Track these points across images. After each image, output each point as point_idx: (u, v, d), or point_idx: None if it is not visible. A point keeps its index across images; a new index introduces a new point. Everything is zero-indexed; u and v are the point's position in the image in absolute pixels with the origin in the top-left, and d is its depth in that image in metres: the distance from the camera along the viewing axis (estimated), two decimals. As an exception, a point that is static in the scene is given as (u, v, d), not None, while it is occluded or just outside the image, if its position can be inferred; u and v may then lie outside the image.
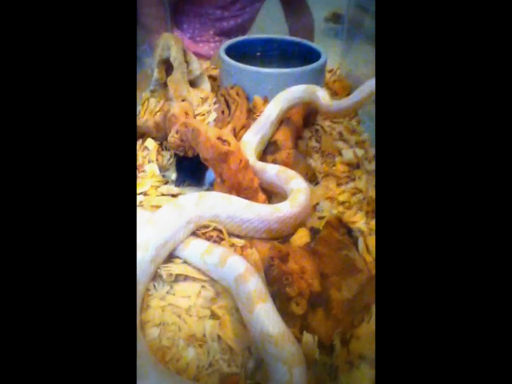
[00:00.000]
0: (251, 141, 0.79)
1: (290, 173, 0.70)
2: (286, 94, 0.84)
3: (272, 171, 0.71)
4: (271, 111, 0.83)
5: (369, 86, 0.74)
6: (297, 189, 0.66)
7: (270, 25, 1.83)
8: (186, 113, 0.82)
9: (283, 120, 0.86)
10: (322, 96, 0.80)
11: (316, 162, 0.84)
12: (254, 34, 1.18)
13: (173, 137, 0.72)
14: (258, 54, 1.14)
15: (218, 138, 0.67)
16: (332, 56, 1.22)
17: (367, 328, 0.52)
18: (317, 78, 1.00)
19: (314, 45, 1.09)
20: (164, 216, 0.58)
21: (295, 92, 0.84)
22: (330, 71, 1.21)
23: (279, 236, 0.64)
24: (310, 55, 1.05)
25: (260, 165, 0.73)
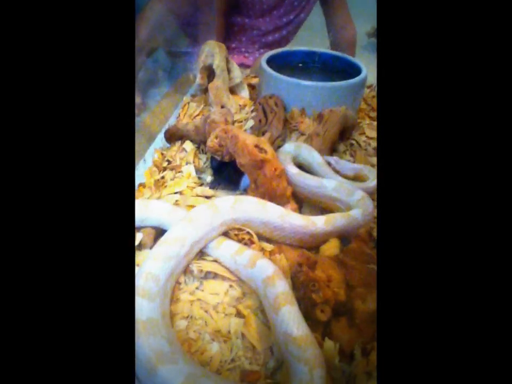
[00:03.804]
0: (291, 152, 0.81)
1: (350, 186, 0.72)
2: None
3: (330, 185, 0.72)
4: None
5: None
6: (359, 198, 0.68)
7: (311, 37, 1.85)
8: (226, 120, 0.85)
9: (319, 133, 0.87)
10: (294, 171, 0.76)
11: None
12: (295, 46, 1.19)
13: (212, 142, 0.75)
14: (300, 65, 1.16)
15: (256, 146, 0.70)
16: (373, 71, 1.22)
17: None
18: (356, 92, 1.01)
19: (355, 60, 1.09)
20: (200, 215, 0.61)
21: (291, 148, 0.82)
22: (369, 86, 1.22)
23: (309, 246, 0.65)
24: (350, 70, 1.06)
25: (316, 179, 0.74)
